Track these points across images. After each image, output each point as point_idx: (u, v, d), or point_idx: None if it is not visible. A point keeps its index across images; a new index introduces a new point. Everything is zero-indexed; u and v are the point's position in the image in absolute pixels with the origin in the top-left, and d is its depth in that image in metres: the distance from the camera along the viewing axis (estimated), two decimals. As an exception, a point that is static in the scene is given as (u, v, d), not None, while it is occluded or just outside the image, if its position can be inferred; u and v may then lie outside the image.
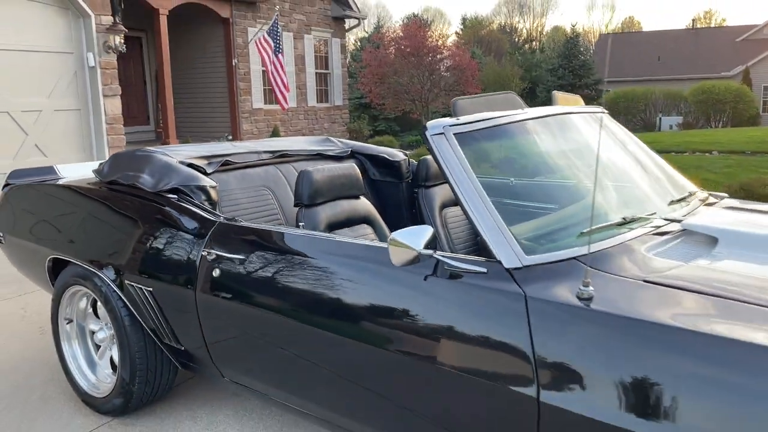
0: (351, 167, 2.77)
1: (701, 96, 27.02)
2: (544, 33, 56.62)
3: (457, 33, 55.95)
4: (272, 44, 12.77)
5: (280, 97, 12.90)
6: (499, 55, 41.74)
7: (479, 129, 2.05)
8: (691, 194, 2.47)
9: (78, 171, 3.55)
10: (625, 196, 2.30)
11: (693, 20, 48.41)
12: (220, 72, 13.71)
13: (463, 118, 2.05)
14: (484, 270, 1.77)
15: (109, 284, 2.75)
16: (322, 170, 2.63)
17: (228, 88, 13.66)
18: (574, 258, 1.77)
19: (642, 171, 2.54)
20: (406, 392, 1.90)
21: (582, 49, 30.63)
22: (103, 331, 3.00)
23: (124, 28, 7.96)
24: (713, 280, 1.69)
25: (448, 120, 2.04)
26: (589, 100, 29.16)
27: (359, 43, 27.52)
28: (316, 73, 15.81)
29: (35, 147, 7.12)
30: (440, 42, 18.19)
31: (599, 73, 31.58)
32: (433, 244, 1.82)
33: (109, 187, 2.95)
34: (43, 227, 3.16)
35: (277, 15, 12.62)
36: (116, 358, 2.83)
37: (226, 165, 3.13)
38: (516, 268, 1.74)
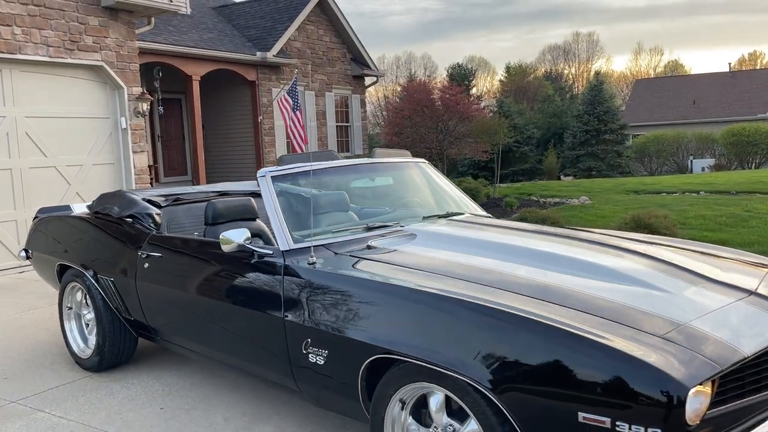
0: (248, 200, 4.13)
1: (732, 138, 27.45)
2: (588, 79, 57.52)
3: (500, 81, 57.63)
4: (291, 102, 14.46)
5: (297, 149, 14.50)
6: (536, 103, 43.09)
7: (286, 174, 3.39)
8: (450, 213, 3.73)
9: (85, 208, 5.04)
10: (395, 214, 3.60)
11: (735, 62, 48.68)
12: (247, 127, 15.47)
13: (279, 167, 3.40)
14: (271, 252, 3.09)
15: (90, 279, 4.17)
16: (223, 202, 4.00)
17: (254, 142, 15.39)
18: (321, 245, 3.08)
19: (421, 200, 3.83)
20: (240, 327, 3.22)
21: (607, 96, 31.59)
22: (90, 314, 4.40)
23: (150, 97, 9.66)
24: (392, 253, 2.96)
25: (269, 168, 3.39)
26: (614, 145, 29.87)
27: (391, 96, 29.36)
28: (336, 126, 17.44)
29: (77, 194, 8.78)
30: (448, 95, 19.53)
31: (624, 119, 32.42)
32: (260, 237, 3.14)
33: (95, 215, 4.41)
34: (54, 244, 4.64)
35: (295, 77, 14.33)
36: (97, 331, 4.24)
37: (177, 201, 4.56)
38: (286, 250, 3.05)
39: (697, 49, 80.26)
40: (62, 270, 4.54)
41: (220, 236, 3.13)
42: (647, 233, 6.56)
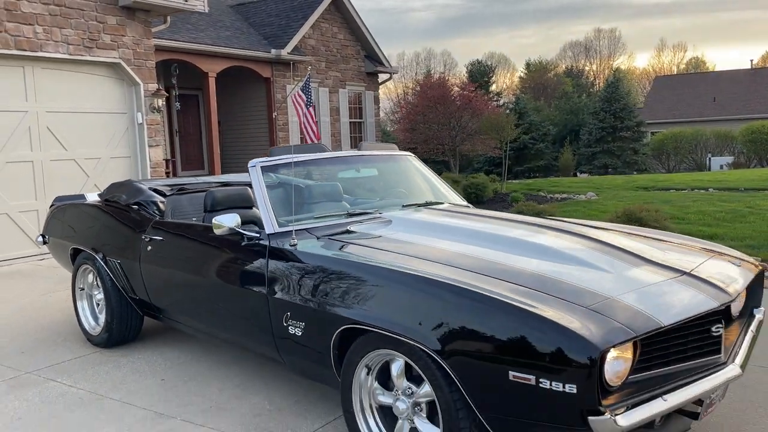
0: (244, 189, 4.43)
1: (751, 136, 27.23)
2: (610, 75, 57.13)
3: (520, 77, 57.55)
4: (305, 99, 14.79)
5: (310, 143, 14.85)
6: (553, 99, 43.06)
7: (276, 164, 3.69)
8: (429, 203, 4.00)
9: (97, 197, 5.39)
10: (378, 203, 3.88)
11: (758, 59, 48.07)
12: (262, 123, 15.84)
13: (269, 159, 3.71)
14: (258, 235, 3.39)
15: (100, 262, 4.52)
16: (221, 190, 4.30)
17: (269, 137, 15.75)
18: (303, 229, 3.37)
19: (406, 189, 4.11)
20: (231, 304, 3.53)
21: (624, 93, 31.53)
22: (100, 294, 4.75)
23: (165, 93, 10.03)
24: (366, 237, 3.25)
25: (259, 159, 3.69)
26: (630, 142, 29.81)
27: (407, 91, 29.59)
28: (350, 122, 17.75)
29: (95, 186, 9.17)
30: (464, 91, 19.75)
31: (642, 116, 32.34)
32: (255, 224, 3.44)
33: (105, 203, 4.75)
34: (68, 229, 4.99)
35: (309, 74, 14.64)
36: (106, 310, 4.59)
37: (181, 190, 4.88)
38: (271, 233, 3.35)
39: (721, 45, 79.31)
40: (75, 253, 4.89)
41: (213, 221, 3.44)
42: (637, 226, 6.77)
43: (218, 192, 4.22)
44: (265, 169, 3.65)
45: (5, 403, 3.77)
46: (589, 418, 2.16)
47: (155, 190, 4.67)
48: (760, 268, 3.30)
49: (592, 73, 59.27)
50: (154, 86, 9.79)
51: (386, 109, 41.84)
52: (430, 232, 3.30)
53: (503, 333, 2.31)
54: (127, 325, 4.55)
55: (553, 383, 2.18)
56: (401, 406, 2.74)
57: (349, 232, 3.39)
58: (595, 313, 2.31)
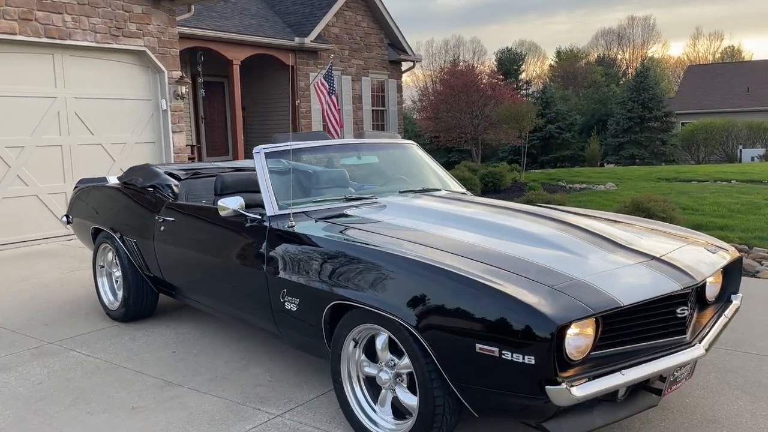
0: (252, 174, 4.64)
1: (783, 127, 26.76)
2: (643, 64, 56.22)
3: (551, 66, 56.99)
4: (327, 86, 15.01)
5: (332, 131, 15.06)
6: (581, 89, 42.60)
7: (278, 150, 3.91)
8: (426, 189, 4.19)
9: (116, 179, 5.67)
10: (377, 189, 4.08)
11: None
12: (285, 110, 16.10)
13: (272, 145, 3.92)
14: (260, 216, 3.61)
15: (118, 241, 4.80)
16: (230, 175, 4.53)
17: (291, 124, 16.02)
18: (302, 212, 3.59)
19: (407, 176, 4.29)
20: (235, 281, 3.76)
21: (653, 82, 31.11)
22: (118, 272, 5.03)
23: (188, 80, 10.32)
24: (359, 220, 3.45)
25: (263, 146, 3.91)
26: (658, 132, 29.47)
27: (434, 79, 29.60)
28: (372, 110, 17.93)
29: (120, 170, 9.51)
30: (490, 80, 19.76)
31: (672, 106, 31.89)
32: (262, 207, 3.66)
33: (124, 185, 5.03)
34: (90, 210, 5.29)
35: (331, 62, 14.85)
36: (124, 286, 4.88)
37: (196, 174, 5.13)
38: (271, 215, 3.57)
39: (760, 34, 77.41)
40: (96, 233, 5.18)
41: (218, 203, 3.67)
42: (644, 216, 6.86)
43: (227, 176, 4.45)
44: (269, 155, 3.86)
45: (29, 369, 4.07)
46: (547, 387, 2.34)
47: (170, 174, 4.93)
48: (738, 255, 3.42)
49: (624, 62, 58.29)
50: (177, 74, 10.07)
51: (414, 98, 41.87)
52: (418, 217, 3.49)
53: (470, 308, 2.50)
54: (143, 301, 4.83)
55: (514, 355, 2.37)
56: (384, 376, 2.95)
57: (344, 215, 3.59)
58: (557, 292, 2.48)
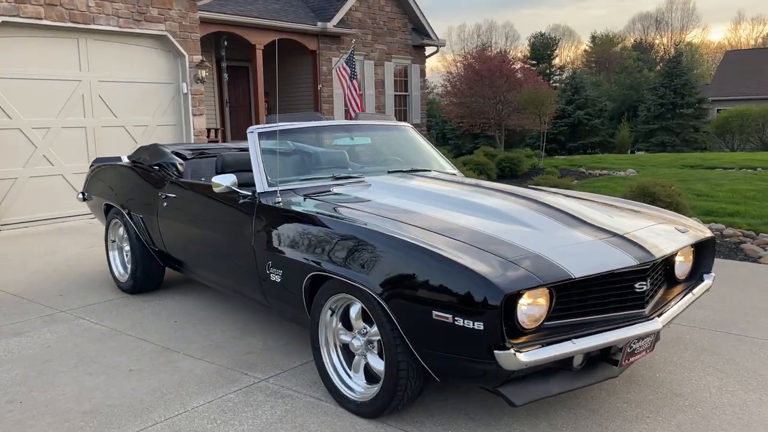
0: (252, 153, 4.85)
1: (821, 115, 26.08)
2: (677, 49, 54.92)
3: (585, 51, 56.17)
4: (349, 71, 15.15)
5: (353, 115, 15.21)
6: (611, 74, 41.96)
7: (272, 131, 4.08)
8: (415, 170, 4.33)
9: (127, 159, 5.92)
10: (368, 168, 4.24)
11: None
12: (308, 94, 16.30)
13: (265, 126, 4.10)
14: (250, 193, 3.80)
15: (126, 216, 5.04)
16: (231, 154, 4.72)
17: (314, 108, 16.20)
18: (290, 189, 3.76)
19: (401, 157, 4.44)
20: (229, 254, 3.97)
21: (686, 68, 30.52)
22: (128, 246, 5.28)
23: (208, 64, 10.56)
24: (342, 197, 3.62)
25: (257, 126, 4.09)
26: (691, 119, 28.94)
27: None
28: (395, 95, 18.02)
29: (142, 151, 9.84)
30: (517, 66, 19.66)
31: (705, 92, 31.25)
32: (249, 184, 3.85)
33: (133, 164, 5.27)
34: (104, 187, 5.55)
35: (353, 47, 14.98)
36: (132, 260, 5.14)
37: (202, 154, 5.35)
38: (261, 192, 3.75)
39: (802, 18, 74.85)
40: (108, 209, 5.44)
41: (212, 180, 3.86)
42: (650, 201, 6.89)
43: (228, 156, 4.64)
44: (263, 136, 4.04)
45: (39, 334, 4.34)
46: (495, 352, 2.48)
47: (177, 154, 5.15)
48: (710, 236, 3.50)
49: (662, 47, 57.01)
50: (198, 58, 10.32)
51: (445, 84, 41.66)
52: (398, 195, 3.63)
53: (427, 278, 2.65)
54: (150, 274, 5.08)
55: (465, 321, 2.51)
56: (356, 343, 3.12)
57: (330, 193, 3.76)
58: (511, 263, 2.61)
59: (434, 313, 2.61)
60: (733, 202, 8.71)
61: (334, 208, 3.41)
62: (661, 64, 45.87)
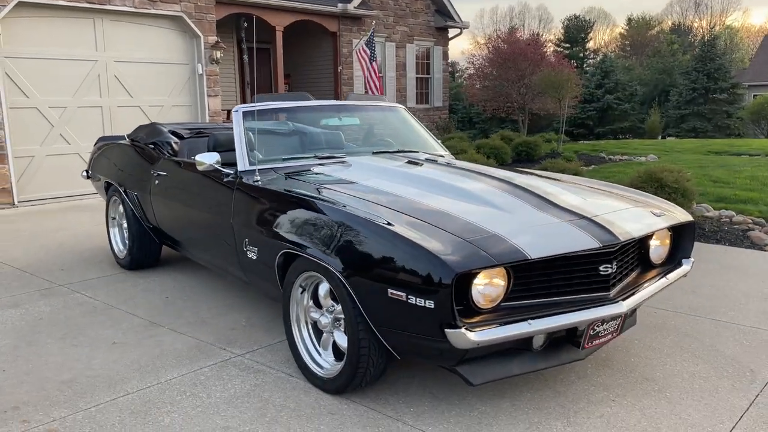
0: (245, 133, 4.89)
1: None
2: (711, 32, 53.34)
3: (620, 34, 55.04)
4: (368, 53, 15.11)
5: (373, 98, 15.19)
6: (644, 58, 41.04)
7: (256, 110, 4.11)
8: (400, 151, 4.32)
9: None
10: (352, 148, 4.25)
11: None
12: (328, 76, 16.30)
13: (250, 105, 4.13)
14: (233, 171, 3.84)
15: (123, 194, 5.14)
16: (223, 133, 4.76)
17: (334, 91, 16.21)
18: (270, 168, 3.80)
19: (393, 138, 4.45)
20: (212, 232, 4.03)
21: (720, 52, 29.72)
22: (126, 222, 5.39)
23: (223, 46, 10.63)
24: (320, 176, 3.64)
25: (242, 105, 4.12)
26: (724, 105, 28.24)
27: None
28: (416, 77, 17.92)
29: (158, 131, 9.99)
30: (546, 49, 19.36)
31: (740, 77, 30.43)
32: (226, 161, 3.90)
33: (131, 142, 5.36)
34: (105, 165, 5.66)
35: (373, 29, 14.92)
36: (130, 237, 5.25)
37: (199, 133, 5.41)
38: (242, 170, 3.79)
39: None
40: (108, 186, 5.55)
41: (195, 158, 3.92)
42: (656, 187, 6.78)
43: (220, 135, 4.69)
44: (247, 114, 4.08)
45: (35, 306, 4.47)
46: (446, 330, 2.49)
47: (174, 133, 5.22)
48: (689, 220, 3.44)
49: (701, 31, 55.47)
50: (213, 39, 10.40)
51: (467, 65, 41.26)
52: (376, 175, 3.64)
53: (383, 256, 2.66)
54: (146, 251, 5.18)
55: (417, 299, 2.53)
56: (323, 320, 3.16)
57: (309, 172, 3.78)
58: (468, 243, 2.61)
59: (389, 291, 2.63)
60: (749, 189, 8.51)
61: (307, 187, 3.44)
62: (697, 48, 44.76)
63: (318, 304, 3.25)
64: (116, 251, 5.47)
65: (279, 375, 3.34)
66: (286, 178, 3.70)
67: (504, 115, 20.85)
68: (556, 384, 3.20)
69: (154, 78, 9.99)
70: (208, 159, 3.86)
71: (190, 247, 4.49)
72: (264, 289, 3.70)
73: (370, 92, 15.18)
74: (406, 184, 3.43)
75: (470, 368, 2.75)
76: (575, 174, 7.86)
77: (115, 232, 5.55)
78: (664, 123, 30.51)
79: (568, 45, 42.28)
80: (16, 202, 8.63)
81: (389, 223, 2.75)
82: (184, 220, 4.40)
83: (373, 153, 4.23)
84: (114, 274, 5.25)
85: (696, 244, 6.07)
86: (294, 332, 3.32)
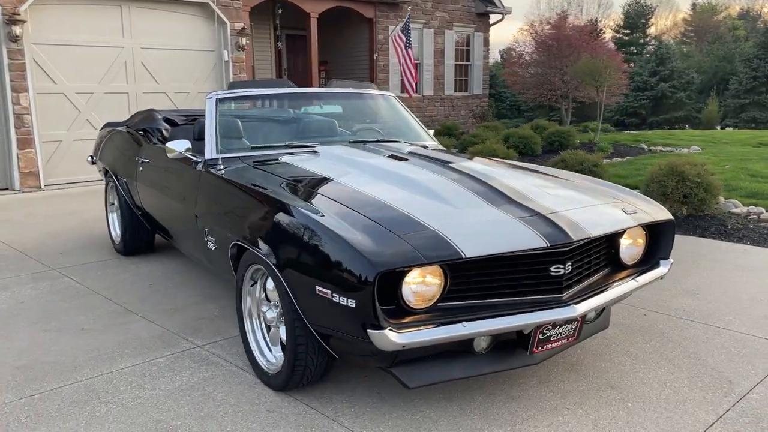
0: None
1: None
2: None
3: (684, 20, 52.93)
4: (404, 39, 14.90)
5: (407, 86, 15.00)
6: (705, 45, 39.30)
7: (230, 97, 4.03)
8: (380, 140, 4.18)
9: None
10: (327, 138, 4.13)
11: None
12: (364, 64, 16.17)
13: (225, 92, 4.05)
14: (200, 160, 3.78)
15: (115, 180, 5.17)
16: (209, 120, 4.73)
17: (369, 77, 16.07)
18: (237, 157, 3.72)
19: (379, 127, 4.31)
20: (182, 220, 3.99)
21: (784, 39, 28.13)
22: (123, 209, 5.43)
23: (249, 33, 10.62)
24: (283, 165, 3.54)
25: (217, 92, 4.05)
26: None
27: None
28: (455, 65, 17.60)
29: (184, 118, 10.08)
30: (593, 36, 18.72)
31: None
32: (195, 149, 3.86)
33: (126, 129, 5.38)
34: (104, 151, 5.71)
35: (409, 14, 14.70)
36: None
37: (194, 120, 5.38)
38: (208, 159, 3.73)
39: None
40: (106, 172, 5.60)
41: (166, 145, 3.87)
42: (677, 181, 6.43)
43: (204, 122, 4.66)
44: (221, 101, 4.01)
45: (21, 290, 4.54)
46: (368, 331, 2.36)
47: (167, 120, 5.21)
48: (668, 219, 3.21)
49: (772, 16, 52.72)
50: (239, 25, 10.41)
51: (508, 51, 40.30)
52: (339, 165, 3.50)
53: (311, 250, 2.55)
54: (137, 237, 5.20)
55: (341, 297, 2.40)
56: (269, 315, 3.07)
57: (275, 162, 3.68)
58: (399, 239, 2.46)
59: (317, 287, 2.51)
60: (783, 182, 8.00)
61: (261, 177, 3.34)
62: (761, 34, 42.47)
63: (269, 298, 3.16)
64: (113, 236, 5.53)
65: (231, 369, 3.27)
66: (253, 168, 3.62)
67: (549, 104, 20.31)
68: (513, 389, 3.03)
69: (180, 64, 10.08)
70: (178, 146, 3.82)
71: (169, 234, 4.47)
72: (227, 281, 3.63)
73: (405, 79, 14.99)
74: (364, 175, 3.29)
75: (407, 370, 2.62)
76: (594, 166, 7.55)
77: (113, 217, 5.61)
78: (723, 113, 29.19)
79: (628, 31, 40.81)
80: (42, 186, 8.86)
81: (319, 213, 2.64)
82: (163, 207, 4.39)
83: (350, 142, 4.10)
84: (109, 259, 5.29)
85: (712, 241, 5.74)
86: (246, 326, 3.24)
